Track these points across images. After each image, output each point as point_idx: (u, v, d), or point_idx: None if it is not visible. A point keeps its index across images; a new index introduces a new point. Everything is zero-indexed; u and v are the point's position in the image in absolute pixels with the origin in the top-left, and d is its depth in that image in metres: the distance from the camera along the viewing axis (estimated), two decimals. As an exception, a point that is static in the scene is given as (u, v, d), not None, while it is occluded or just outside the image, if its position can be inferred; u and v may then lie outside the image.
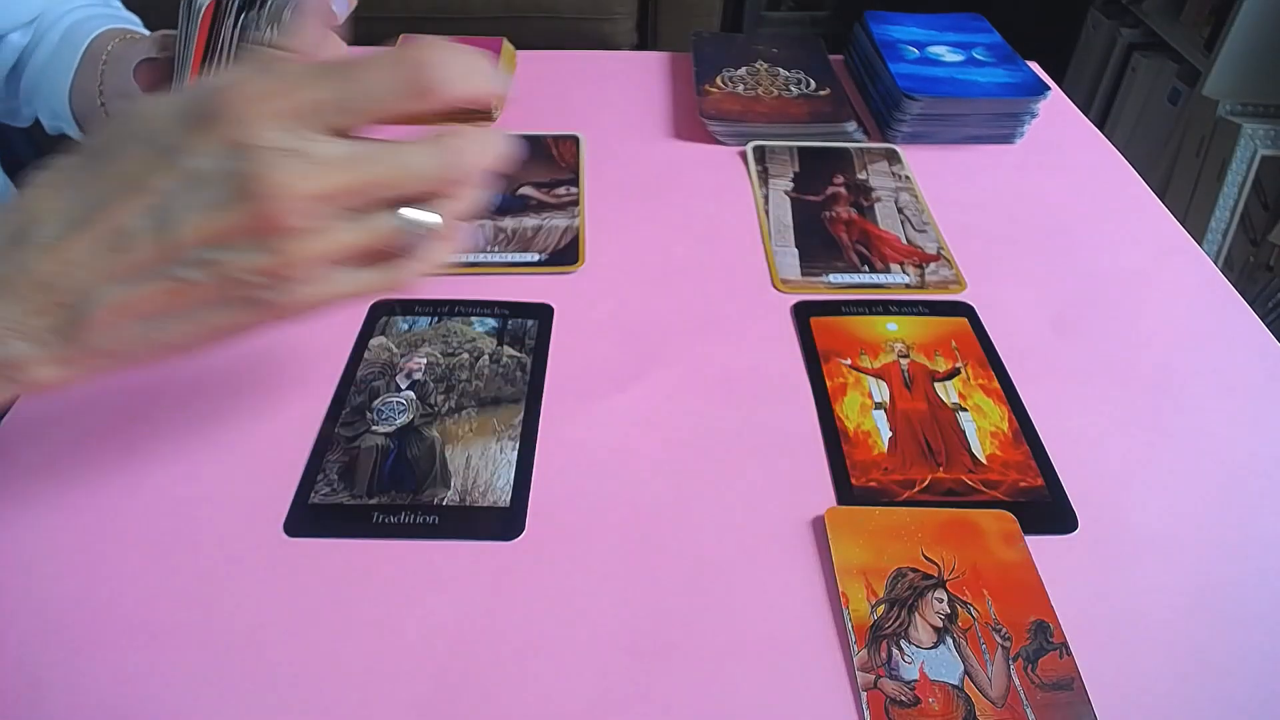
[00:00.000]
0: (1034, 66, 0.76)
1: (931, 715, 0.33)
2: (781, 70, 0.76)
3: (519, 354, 0.48)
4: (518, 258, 0.55)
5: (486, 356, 0.48)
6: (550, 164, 0.65)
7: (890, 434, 0.44)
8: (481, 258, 0.55)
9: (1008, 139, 0.70)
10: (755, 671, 0.34)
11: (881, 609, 0.36)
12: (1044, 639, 0.35)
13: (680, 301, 0.52)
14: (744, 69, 0.76)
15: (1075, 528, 0.40)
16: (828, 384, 0.47)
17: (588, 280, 0.54)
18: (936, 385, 0.47)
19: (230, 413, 0.44)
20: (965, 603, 0.36)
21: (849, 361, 0.48)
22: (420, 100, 0.27)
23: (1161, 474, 0.43)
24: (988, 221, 0.61)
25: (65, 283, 0.26)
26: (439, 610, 0.36)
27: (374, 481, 0.41)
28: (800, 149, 0.68)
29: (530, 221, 0.59)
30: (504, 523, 0.39)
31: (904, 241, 0.58)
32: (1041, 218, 0.61)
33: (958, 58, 0.73)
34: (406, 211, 0.29)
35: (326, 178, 0.26)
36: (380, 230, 0.29)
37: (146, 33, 0.59)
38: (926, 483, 0.42)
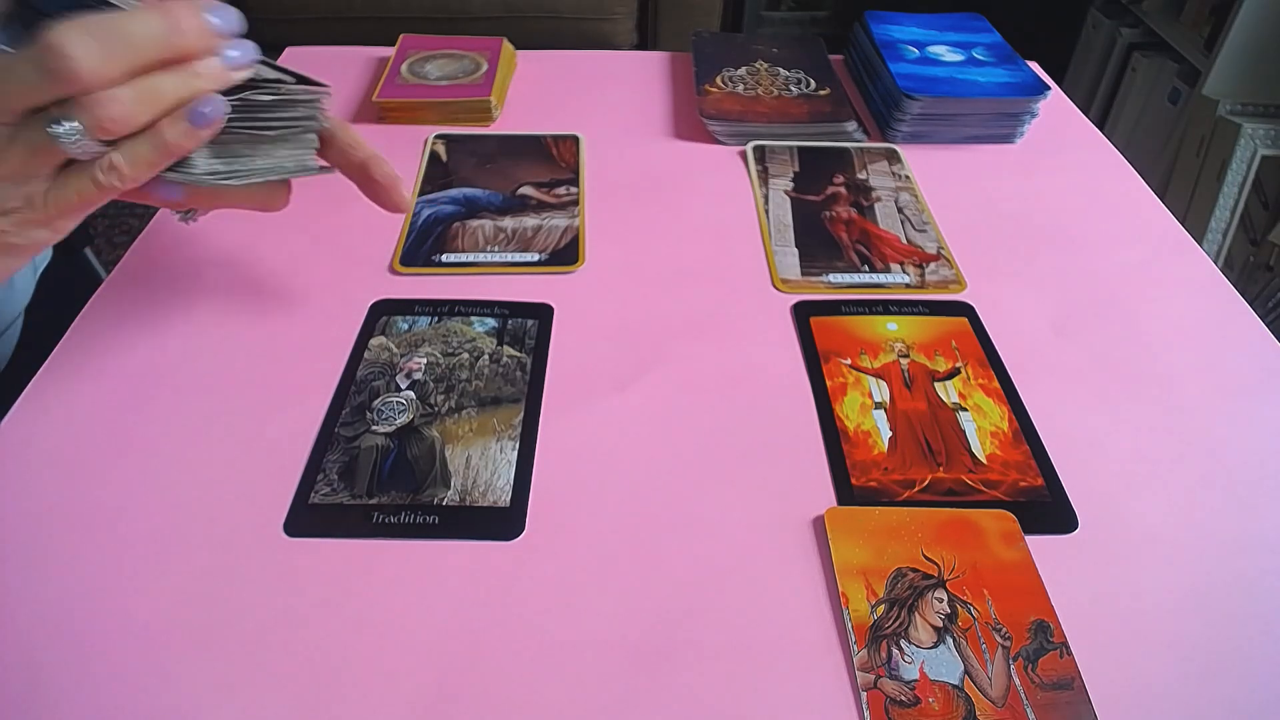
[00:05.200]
0: (1034, 66, 0.76)
1: (931, 715, 0.33)
2: (781, 70, 0.76)
3: (519, 354, 0.48)
4: (518, 257, 0.55)
5: (486, 356, 0.48)
6: (550, 164, 0.65)
7: (890, 434, 0.44)
8: (481, 257, 0.55)
9: (1008, 139, 0.70)
10: (755, 671, 0.34)
11: (881, 609, 0.36)
12: (1044, 639, 0.35)
13: (680, 301, 0.52)
14: (744, 69, 0.76)
15: (1075, 528, 0.40)
16: (828, 384, 0.47)
17: (588, 280, 0.54)
18: (936, 385, 0.47)
19: (230, 412, 0.44)
20: (965, 602, 0.36)
21: (849, 361, 0.48)
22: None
23: (1161, 474, 0.43)
24: (988, 221, 0.61)
25: None
26: (439, 610, 0.36)
27: (374, 481, 0.41)
28: (800, 149, 0.68)
29: (530, 221, 0.59)
30: (504, 523, 0.39)
31: (904, 241, 0.58)
32: (1041, 218, 0.61)
33: (958, 57, 0.73)
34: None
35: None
36: (22, 136, 0.33)
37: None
38: (926, 483, 0.42)
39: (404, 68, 0.73)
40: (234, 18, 0.35)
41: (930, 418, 0.45)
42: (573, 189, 0.62)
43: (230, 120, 0.37)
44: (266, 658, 0.34)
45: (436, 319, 0.50)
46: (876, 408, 0.46)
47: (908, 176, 0.65)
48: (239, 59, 0.36)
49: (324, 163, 0.45)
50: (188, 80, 0.34)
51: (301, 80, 0.42)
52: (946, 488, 0.42)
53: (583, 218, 0.59)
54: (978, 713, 0.33)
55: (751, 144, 0.68)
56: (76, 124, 0.32)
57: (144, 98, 0.33)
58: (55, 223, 0.36)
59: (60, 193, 0.35)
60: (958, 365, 0.49)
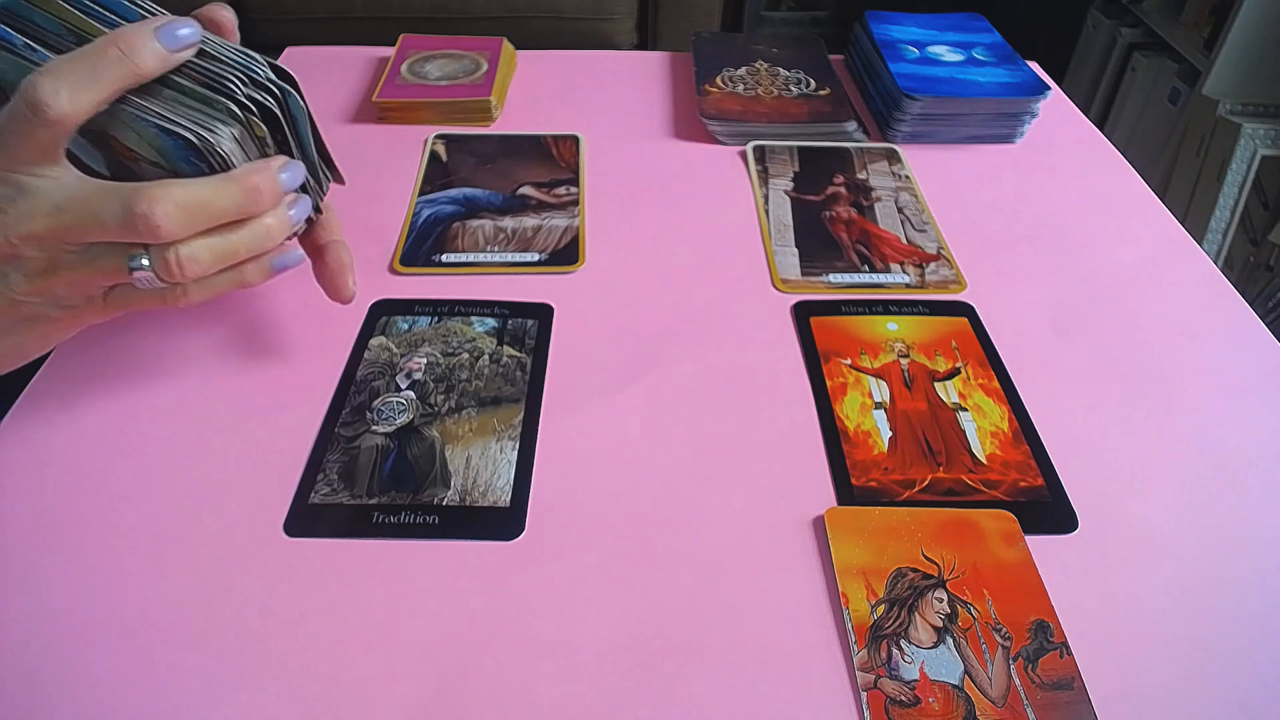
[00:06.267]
0: (1034, 66, 0.76)
1: (931, 715, 0.33)
2: (781, 70, 0.76)
3: (519, 354, 0.48)
4: (518, 258, 0.55)
5: (486, 356, 0.48)
6: (550, 164, 0.65)
7: (890, 434, 0.44)
8: (482, 257, 0.55)
9: (1008, 139, 0.70)
10: (755, 671, 0.34)
11: (881, 609, 0.36)
12: (1044, 639, 0.35)
13: (680, 301, 0.52)
14: (744, 69, 0.76)
15: (1075, 528, 0.40)
16: (828, 384, 0.47)
17: (588, 280, 0.54)
18: (936, 385, 0.47)
19: (230, 413, 0.44)
20: (965, 602, 0.36)
21: (849, 361, 0.48)
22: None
23: (1161, 474, 0.43)
24: (988, 221, 0.61)
25: None
26: (439, 610, 0.36)
27: (374, 481, 0.41)
28: (800, 149, 0.68)
29: (530, 221, 0.59)
30: (504, 523, 0.39)
31: (904, 241, 0.58)
32: (1041, 218, 0.61)
33: (958, 58, 0.73)
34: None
35: (33, 223, 0.33)
36: (98, 262, 0.35)
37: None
38: (926, 483, 0.42)
39: (404, 68, 0.73)
40: (301, 171, 0.39)
41: (930, 418, 0.45)
42: (573, 189, 0.62)
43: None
44: (266, 658, 0.34)
45: (436, 319, 0.50)
46: (876, 408, 0.46)
47: (908, 176, 0.65)
48: (298, 216, 0.39)
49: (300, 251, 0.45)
50: (260, 240, 0.37)
51: (325, 160, 0.42)
52: (946, 488, 0.42)
53: (583, 218, 0.59)
54: (978, 713, 0.33)
55: (751, 144, 0.68)
56: (150, 266, 0.35)
57: (220, 257, 0.36)
58: (110, 313, 0.38)
59: (123, 297, 0.37)
60: (958, 365, 0.49)
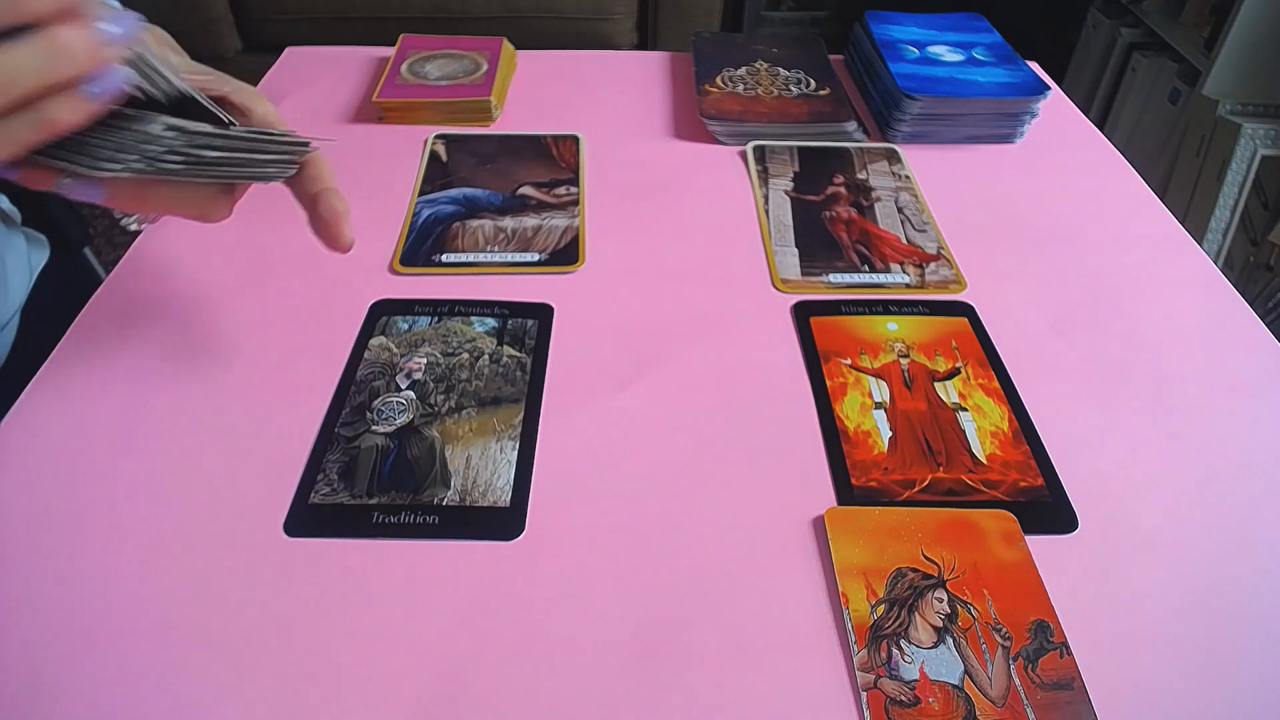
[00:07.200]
0: (1034, 66, 0.76)
1: (931, 715, 0.33)
2: (781, 70, 0.76)
3: (519, 354, 0.48)
4: (518, 258, 0.55)
5: (486, 356, 0.48)
6: (550, 164, 0.65)
7: (890, 434, 0.44)
8: (482, 257, 0.55)
9: (1008, 139, 0.70)
10: (755, 671, 0.34)
11: (881, 609, 0.36)
12: (1044, 639, 0.35)
13: (680, 301, 0.52)
14: (744, 69, 0.76)
15: (1075, 528, 0.40)
16: (828, 384, 0.47)
17: (588, 280, 0.54)
18: (936, 385, 0.47)
19: (230, 413, 0.44)
20: (965, 602, 0.36)
21: (849, 361, 0.48)
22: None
23: (1161, 474, 0.43)
24: (988, 221, 0.61)
25: None
26: (439, 610, 0.36)
27: (374, 481, 0.41)
28: (800, 149, 0.68)
29: (530, 221, 0.59)
30: (504, 523, 0.39)
31: (904, 241, 0.58)
32: (1041, 218, 0.61)
33: (958, 58, 0.73)
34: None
35: None
36: (19, 79, 0.28)
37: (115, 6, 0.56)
38: (926, 483, 0.42)
39: (404, 68, 0.73)
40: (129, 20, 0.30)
41: (930, 418, 0.45)
42: (573, 189, 0.62)
43: (172, 165, 0.34)
44: (266, 658, 0.34)
45: (436, 319, 0.50)
46: (876, 408, 0.46)
47: (908, 176, 0.65)
48: (117, 34, 0.30)
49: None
50: (51, 60, 0.29)
51: (288, 140, 0.39)
52: (946, 488, 0.42)
53: (583, 218, 0.59)
54: (978, 713, 0.33)
55: (751, 144, 0.68)
56: None
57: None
58: None
59: None
60: (958, 365, 0.49)
